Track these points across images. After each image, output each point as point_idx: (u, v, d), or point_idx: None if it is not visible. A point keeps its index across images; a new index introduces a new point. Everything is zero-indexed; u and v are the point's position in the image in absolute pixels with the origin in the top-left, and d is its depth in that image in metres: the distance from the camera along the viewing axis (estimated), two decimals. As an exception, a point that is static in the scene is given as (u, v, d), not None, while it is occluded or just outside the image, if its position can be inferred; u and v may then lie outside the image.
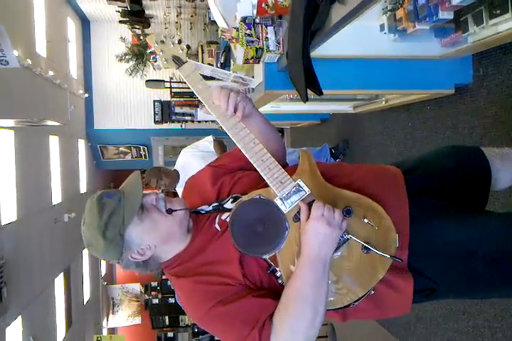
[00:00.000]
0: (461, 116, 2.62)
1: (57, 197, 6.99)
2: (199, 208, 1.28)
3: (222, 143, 3.62)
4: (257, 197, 1.16)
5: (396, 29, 2.20)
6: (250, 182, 1.27)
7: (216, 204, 1.27)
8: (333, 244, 1.09)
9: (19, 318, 5.21)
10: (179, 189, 3.39)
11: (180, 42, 1.36)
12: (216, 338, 7.31)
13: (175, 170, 3.47)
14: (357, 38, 2.23)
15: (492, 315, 2.42)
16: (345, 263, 1.13)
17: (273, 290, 1.16)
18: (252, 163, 1.17)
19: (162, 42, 1.31)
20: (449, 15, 1.92)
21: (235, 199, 1.24)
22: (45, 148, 6.68)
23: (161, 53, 1.31)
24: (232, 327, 1.11)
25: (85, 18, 8.93)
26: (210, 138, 3.65)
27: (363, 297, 1.13)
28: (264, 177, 1.16)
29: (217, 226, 1.24)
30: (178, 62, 1.27)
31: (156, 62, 1.35)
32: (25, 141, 5.69)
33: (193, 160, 3.43)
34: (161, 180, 3.32)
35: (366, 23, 2.26)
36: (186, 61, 1.28)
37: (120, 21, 6.65)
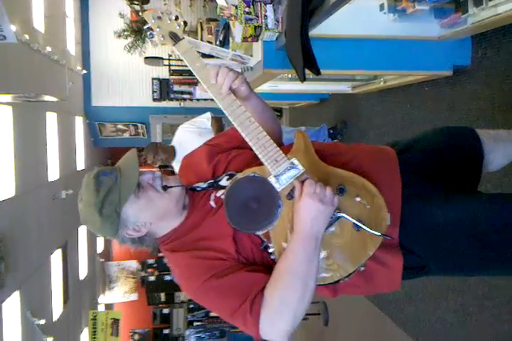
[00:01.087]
0: (458, 98, 2.62)
1: (54, 174, 7.00)
2: (195, 185, 1.30)
3: (220, 120, 3.63)
4: (252, 174, 1.17)
5: (395, 9, 2.18)
6: (245, 160, 1.29)
7: (211, 181, 1.29)
8: (325, 220, 1.11)
9: (17, 293, 5.27)
10: (176, 164, 3.42)
11: (177, 18, 1.35)
12: (211, 314, 7.45)
13: (172, 145, 3.49)
14: (356, 18, 2.22)
15: (481, 294, 2.47)
16: (337, 240, 1.15)
17: (265, 266, 1.19)
18: (247, 141, 1.19)
19: (159, 18, 1.30)
20: (449, -5, 1.91)
21: (230, 176, 1.26)
22: (43, 125, 6.65)
23: (157, 29, 1.30)
24: (224, 300, 1.14)
25: (83, -7, 8.79)
26: (209, 114, 3.65)
27: (352, 273, 1.16)
28: (259, 156, 1.17)
29: (212, 202, 1.27)
30: (174, 38, 1.27)
31: (152, 38, 1.34)
32: (22, 117, 5.66)
33: (190, 136, 3.45)
34: (158, 155, 3.35)
35: (365, 3, 2.25)
36: (183, 38, 1.27)
37: (119, -4, 6.56)
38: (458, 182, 1.35)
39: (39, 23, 6.56)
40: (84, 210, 1.20)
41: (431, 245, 1.23)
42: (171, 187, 1.22)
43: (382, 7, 2.23)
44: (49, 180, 6.74)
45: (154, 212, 1.22)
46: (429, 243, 1.23)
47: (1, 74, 5.07)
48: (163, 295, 10.34)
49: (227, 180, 1.26)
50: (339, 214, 1.14)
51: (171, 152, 3.42)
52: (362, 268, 1.17)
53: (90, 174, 1.21)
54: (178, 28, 1.30)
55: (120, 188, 1.17)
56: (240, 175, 1.19)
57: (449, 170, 1.34)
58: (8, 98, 4.86)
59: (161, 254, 10.65)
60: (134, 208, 1.20)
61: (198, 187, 1.30)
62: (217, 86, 1.22)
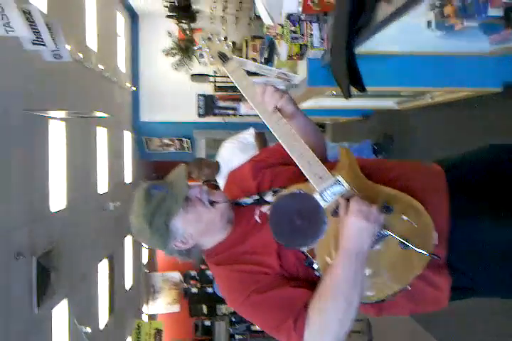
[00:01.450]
0: (508, 116, 2.55)
1: (103, 187, 7.23)
2: (240, 200, 1.32)
3: (263, 135, 3.67)
4: (297, 191, 1.19)
5: (443, 25, 2.16)
6: (290, 176, 1.30)
7: (257, 197, 1.31)
8: (370, 238, 1.11)
9: (65, 301, 5.44)
10: (220, 179, 3.48)
11: (226, 39, 1.41)
12: (253, 328, 7.42)
13: (216, 161, 3.56)
14: (403, 35, 2.21)
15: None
16: (383, 258, 1.14)
17: (309, 282, 1.19)
18: (292, 158, 1.20)
19: (209, 39, 1.36)
20: (498, 12, 1.88)
21: (275, 192, 1.27)
22: (94, 139, 6.91)
23: (207, 50, 1.35)
24: (268, 315, 1.16)
25: (134, 13, 9.14)
26: (252, 130, 3.71)
27: (398, 292, 1.15)
28: (304, 172, 1.19)
29: (257, 218, 1.29)
30: (223, 58, 1.31)
31: (202, 58, 1.40)
32: (75, 132, 5.90)
33: (234, 151, 3.52)
34: (202, 170, 3.43)
35: (413, 20, 2.23)
36: (231, 58, 1.32)
37: (167, 16, 6.78)
38: (508, 201, 1.32)
39: (92, 42, 6.86)
40: (135, 222, 1.25)
41: (480, 266, 1.20)
42: (218, 202, 1.26)
43: (429, 24, 2.21)
44: (98, 193, 6.97)
45: (201, 225, 1.26)
46: (478, 263, 1.20)
47: (57, 91, 5.33)
48: (205, 307, 10.39)
49: (273, 195, 1.28)
50: (385, 232, 1.13)
51: (215, 167, 3.49)
52: (408, 288, 1.15)
53: (141, 187, 1.26)
54: (226, 48, 1.35)
55: (169, 201, 1.22)
56: (285, 191, 1.21)
57: (499, 189, 1.31)
58: (62, 114, 5.10)
59: (203, 267, 10.74)
60: (182, 221, 1.23)
61: (243, 202, 1.32)
62: (263, 104, 1.25)
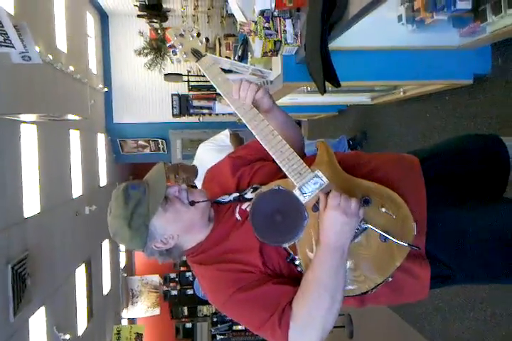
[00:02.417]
0: (479, 107, 2.61)
1: (77, 190, 7.12)
2: (220, 198, 1.31)
3: (238, 136, 3.67)
4: (276, 187, 1.18)
5: (414, 20, 2.19)
6: (269, 172, 1.30)
7: (237, 194, 1.30)
8: (351, 232, 1.11)
9: (42, 308, 5.34)
10: (198, 182, 3.46)
11: (198, 35, 1.39)
12: (234, 327, 7.41)
13: (193, 165, 3.53)
14: (375, 30, 2.23)
15: (510, 304, 2.42)
16: (363, 251, 1.15)
17: (292, 278, 1.19)
18: (270, 154, 1.20)
19: (181, 35, 1.34)
20: (467, 5, 1.92)
21: (255, 189, 1.27)
22: (66, 142, 6.80)
23: (180, 47, 1.33)
24: (252, 313, 1.15)
25: (104, 13, 9.01)
26: (227, 131, 3.70)
27: (380, 284, 1.15)
28: (282, 168, 1.18)
29: (237, 215, 1.28)
30: (197, 55, 1.29)
31: (175, 55, 1.37)
32: (46, 135, 5.79)
33: (210, 154, 3.49)
34: (179, 175, 3.39)
35: (384, 15, 2.26)
36: (205, 54, 1.30)
37: (138, 15, 6.70)
38: (484, 190, 1.33)
39: (62, 43, 6.74)
40: (114, 223, 1.22)
41: (458, 253, 1.22)
42: (198, 202, 1.24)
43: (400, 18, 2.24)
44: (73, 197, 6.86)
45: (181, 225, 1.24)
46: (456, 251, 1.22)
47: (26, 93, 5.21)
48: (186, 309, 10.33)
49: (252, 192, 1.27)
50: (365, 226, 1.14)
51: (193, 171, 3.45)
52: (389, 279, 1.16)
53: (119, 188, 1.24)
54: (200, 44, 1.33)
55: (148, 201, 1.19)
56: (264, 188, 1.20)
57: (474, 177, 1.33)
58: (32, 117, 4.98)
59: (183, 269, 10.68)
60: (161, 221, 1.21)
61: (223, 199, 1.31)
62: (239, 100, 1.24)
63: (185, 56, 1.34)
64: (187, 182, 3.49)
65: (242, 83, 1.24)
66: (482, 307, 2.67)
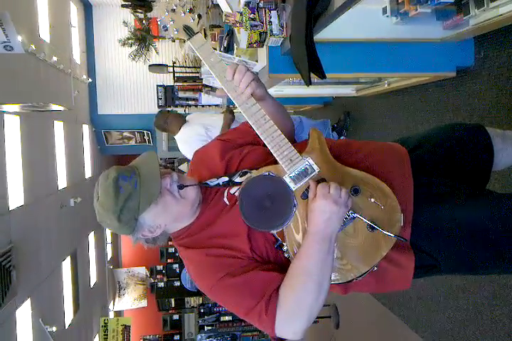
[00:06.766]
0: (462, 99, 2.64)
1: (62, 182, 7.06)
2: (208, 181, 1.28)
3: (232, 112, 3.71)
4: (267, 173, 1.17)
5: (398, 12, 2.21)
6: (259, 157, 1.29)
7: (226, 178, 1.28)
8: (339, 221, 1.12)
9: (28, 301, 5.31)
10: (184, 169, 3.58)
11: (191, 11, 1.32)
12: (222, 318, 7.45)
13: (181, 114, 3.91)
14: (359, 22, 2.25)
15: (491, 293, 2.48)
16: (351, 240, 1.16)
17: (279, 264, 1.20)
18: (262, 139, 1.18)
19: (173, 10, 1.30)
20: (450, -2, 1.94)
21: (244, 173, 1.26)
22: (51, 134, 6.73)
23: (171, 22, 1.29)
24: (239, 299, 1.16)
25: (87, 3, 8.88)
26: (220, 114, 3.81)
27: (366, 273, 1.17)
28: (274, 154, 1.17)
29: (225, 200, 1.27)
30: (189, 32, 1.22)
31: (166, 30, 1.32)
32: (30, 126, 5.72)
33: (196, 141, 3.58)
34: (169, 122, 3.73)
35: (368, 7, 2.28)
36: (197, 32, 1.23)
37: (122, 5, 6.60)
38: (468, 181, 1.35)
39: (45, 32, 6.64)
40: (102, 212, 1.19)
41: (442, 244, 1.23)
42: (187, 186, 1.22)
43: (384, 10, 2.26)
44: (57, 188, 6.80)
45: (170, 216, 1.23)
46: (440, 242, 1.23)
47: (9, 84, 5.14)
48: (173, 301, 10.35)
49: (241, 177, 1.26)
50: (353, 215, 1.15)
51: (181, 121, 3.75)
52: (375, 268, 1.18)
53: (108, 175, 1.19)
54: (192, 21, 1.29)
55: (140, 196, 1.16)
56: (254, 174, 1.20)
57: (459, 168, 1.35)
58: (15, 108, 4.92)
59: (170, 260, 10.68)
60: (151, 213, 1.20)
61: (211, 182, 1.28)
62: (233, 83, 1.19)
63: (176, 32, 1.30)
64: (175, 131, 3.77)
65: (239, 67, 1.20)
66: (464, 297, 2.73)
